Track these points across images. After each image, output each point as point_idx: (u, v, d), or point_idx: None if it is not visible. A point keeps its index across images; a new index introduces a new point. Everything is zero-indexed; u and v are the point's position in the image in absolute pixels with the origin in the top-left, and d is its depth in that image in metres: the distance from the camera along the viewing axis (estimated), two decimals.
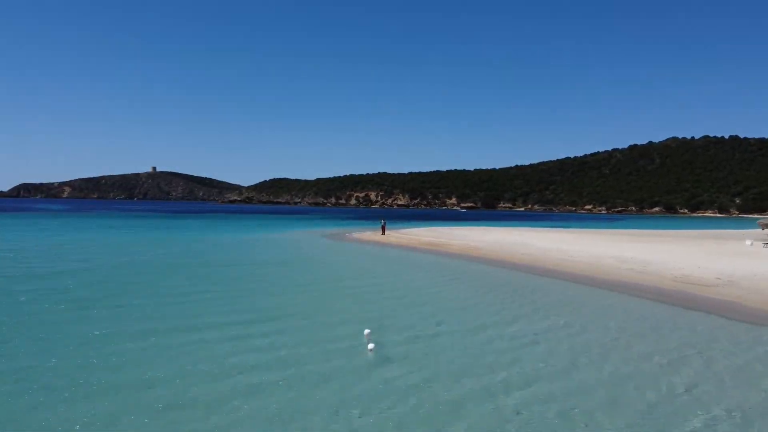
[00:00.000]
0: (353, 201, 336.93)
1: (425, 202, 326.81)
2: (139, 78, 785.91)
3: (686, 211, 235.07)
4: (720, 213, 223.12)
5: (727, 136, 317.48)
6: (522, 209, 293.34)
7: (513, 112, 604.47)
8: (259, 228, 71.63)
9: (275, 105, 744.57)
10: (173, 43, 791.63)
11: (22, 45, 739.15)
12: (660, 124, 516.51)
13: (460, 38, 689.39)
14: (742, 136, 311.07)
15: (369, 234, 55.77)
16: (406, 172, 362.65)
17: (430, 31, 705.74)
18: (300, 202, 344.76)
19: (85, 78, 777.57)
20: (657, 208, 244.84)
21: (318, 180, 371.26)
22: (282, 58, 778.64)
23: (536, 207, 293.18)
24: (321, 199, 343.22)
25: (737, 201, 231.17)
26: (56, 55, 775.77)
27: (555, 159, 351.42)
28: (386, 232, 53.99)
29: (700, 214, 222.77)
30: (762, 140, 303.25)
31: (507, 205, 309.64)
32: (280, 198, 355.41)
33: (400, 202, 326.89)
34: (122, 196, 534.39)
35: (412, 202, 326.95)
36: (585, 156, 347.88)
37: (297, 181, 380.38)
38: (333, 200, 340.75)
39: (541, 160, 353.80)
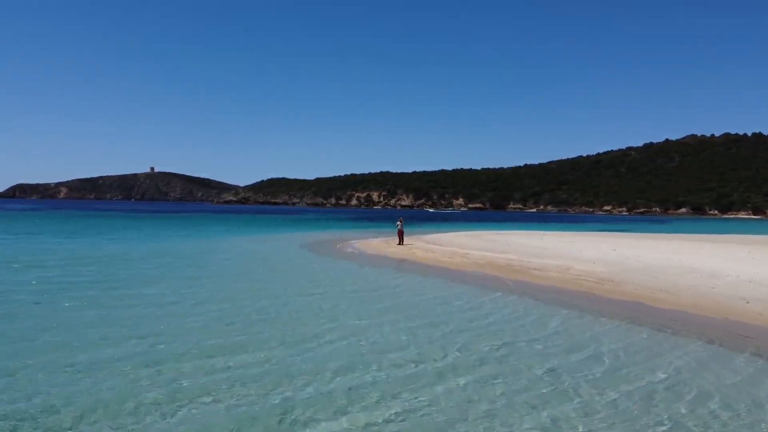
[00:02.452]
0: (354, 201, 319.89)
1: (430, 203, 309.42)
2: (138, 78, 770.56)
3: (716, 212, 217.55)
4: (755, 215, 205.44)
5: (749, 134, 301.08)
6: (534, 210, 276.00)
7: (519, 111, 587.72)
8: (231, 231, 54.76)
9: (275, 105, 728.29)
10: (172, 43, 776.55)
11: (20, 44, 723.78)
12: (674, 121, 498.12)
13: (462, 38, 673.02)
14: (766, 132, 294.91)
15: (377, 242, 38.74)
16: (409, 171, 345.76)
17: (430, 30, 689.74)
18: (298, 203, 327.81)
19: (83, 78, 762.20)
20: (683, 209, 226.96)
21: (318, 180, 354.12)
22: (281, 57, 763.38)
23: (549, 208, 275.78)
24: (320, 200, 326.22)
25: None
26: (55, 55, 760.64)
27: (566, 158, 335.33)
28: (404, 240, 37.25)
29: (732, 216, 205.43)
30: None
31: (517, 205, 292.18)
32: (277, 198, 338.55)
33: (403, 203, 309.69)
34: (120, 197, 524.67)
35: (417, 203, 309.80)
36: (598, 154, 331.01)
37: (296, 180, 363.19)
38: (333, 200, 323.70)
39: (551, 159, 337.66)
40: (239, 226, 65.12)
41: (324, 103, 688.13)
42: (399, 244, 36.07)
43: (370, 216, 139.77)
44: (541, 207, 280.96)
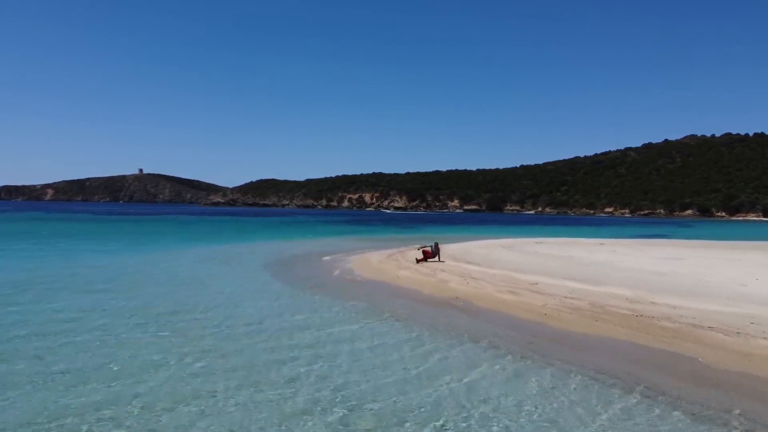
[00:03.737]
0: (346, 203, 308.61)
1: (425, 204, 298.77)
2: (128, 79, 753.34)
3: (724, 214, 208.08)
4: (765, 216, 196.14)
5: (751, 134, 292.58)
6: (531, 212, 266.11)
7: (514, 111, 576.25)
8: (192, 241, 43.58)
9: (265, 105, 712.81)
10: (160, 44, 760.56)
11: (5, 44, 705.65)
12: (671, 121, 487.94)
13: (456, 38, 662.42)
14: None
15: (378, 259, 27.54)
16: (403, 172, 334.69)
17: (425, 30, 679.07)
18: (288, 204, 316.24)
19: (70, 78, 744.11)
20: (690, 211, 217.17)
21: (308, 181, 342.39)
22: (272, 57, 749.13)
23: (548, 210, 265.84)
24: (311, 201, 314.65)
25: None
26: (41, 55, 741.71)
27: (563, 159, 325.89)
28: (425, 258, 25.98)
29: (741, 218, 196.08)
30: None
31: (514, 207, 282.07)
32: (266, 200, 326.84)
33: (397, 204, 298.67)
34: (107, 199, 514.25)
35: (411, 204, 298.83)
36: (596, 155, 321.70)
37: (285, 182, 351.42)
38: (324, 202, 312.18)
39: (547, 161, 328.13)
40: (208, 234, 54.07)
41: (315, 104, 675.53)
42: (421, 261, 25.02)
43: (363, 218, 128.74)
44: (539, 209, 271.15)
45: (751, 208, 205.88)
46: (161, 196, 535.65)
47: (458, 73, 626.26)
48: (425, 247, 26.13)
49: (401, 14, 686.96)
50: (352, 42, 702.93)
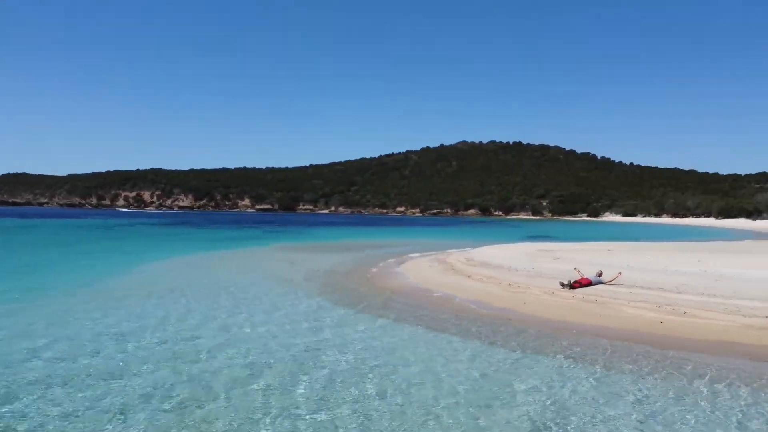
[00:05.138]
0: (121, 201, 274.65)
1: (213, 204, 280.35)
2: None
3: (501, 213, 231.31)
4: (534, 215, 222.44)
5: (511, 142, 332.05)
6: (326, 211, 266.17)
7: (295, 111, 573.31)
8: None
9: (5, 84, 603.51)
10: None
11: None
12: (446, 128, 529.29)
13: (235, 26, 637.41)
14: (525, 141, 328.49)
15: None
16: (186, 169, 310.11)
17: (204, 22, 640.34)
18: (48, 203, 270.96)
19: None
20: (473, 210, 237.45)
21: (72, 176, 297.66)
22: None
23: (341, 209, 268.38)
24: (77, 200, 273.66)
25: (544, 203, 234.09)
26: None
27: (351, 159, 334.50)
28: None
29: (515, 216, 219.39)
30: (542, 146, 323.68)
31: (307, 207, 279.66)
32: (17, 197, 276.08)
33: (183, 204, 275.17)
34: None
35: (197, 204, 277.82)
36: (381, 156, 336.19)
37: (41, 176, 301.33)
38: (94, 200, 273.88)
39: (334, 161, 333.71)
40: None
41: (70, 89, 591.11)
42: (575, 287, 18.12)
43: (192, 221, 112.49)
44: (333, 208, 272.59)
45: (522, 209, 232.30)
46: None
47: (232, 65, 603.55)
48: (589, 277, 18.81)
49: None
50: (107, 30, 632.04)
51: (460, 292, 18.72)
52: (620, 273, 19.24)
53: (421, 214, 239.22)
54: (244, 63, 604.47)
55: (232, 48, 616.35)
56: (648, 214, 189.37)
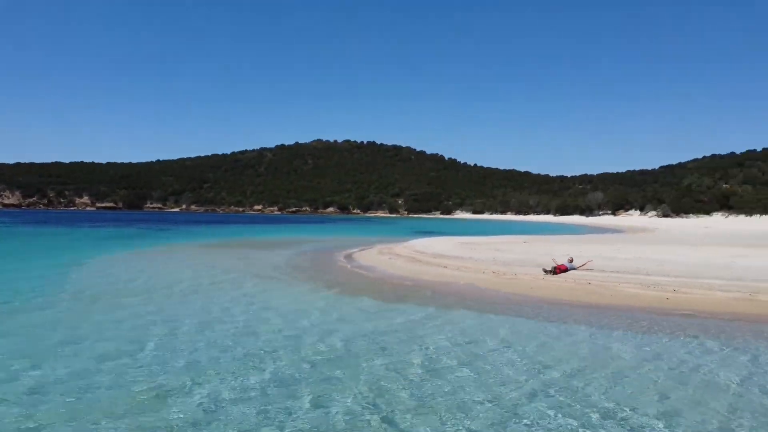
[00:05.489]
0: None
1: (45, 201, 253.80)
2: None
3: (359, 211, 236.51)
4: (391, 213, 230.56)
5: (365, 141, 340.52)
6: (176, 210, 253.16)
7: (147, 103, 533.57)
8: None
9: None
10: None
11: None
12: (301, 126, 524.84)
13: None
14: (378, 142, 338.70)
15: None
16: (11, 162, 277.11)
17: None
18: None
19: None
20: (331, 208, 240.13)
21: None
22: None
23: (194, 207, 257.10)
24: None
25: (400, 201, 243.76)
26: None
27: (202, 155, 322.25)
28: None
29: (372, 214, 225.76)
30: (395, 147, 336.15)
31: (156, 205, 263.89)
32: None
33: (7, 201, 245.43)
34: None
35: (26, 201, 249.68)
36: (234, 153, 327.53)
37: None
38: None
39: (182, 156, 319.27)
40: None
41: None
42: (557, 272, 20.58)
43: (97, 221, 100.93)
44: (184, 206, 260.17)
45: (379, 207, 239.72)
46: None
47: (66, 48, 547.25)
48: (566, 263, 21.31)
49: None
50: None
51: (465, 280, 20.46)
52: (591, 260, 22.35)
53: (279, 213, 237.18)
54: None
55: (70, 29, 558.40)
56: (495, 211, 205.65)
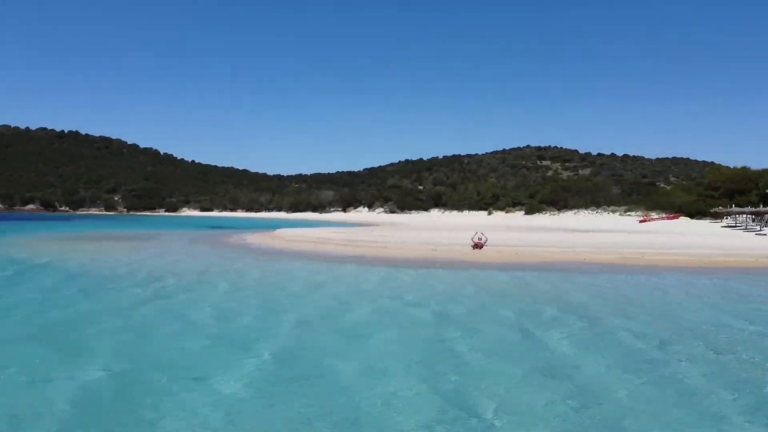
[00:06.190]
0: None
1: None
2: None
3: (67, 208, 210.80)
4: (107, 211, 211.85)
5: (66, 131, 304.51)
6: None
7: None
8: None
9: None
10: None
11: None
12: None
13: None
14: (83, 132, 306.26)
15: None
16: None
17: None
18: None
19: None
20: (32, 206, 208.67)
21: None
22: None
23: None
24: None
25: (117, 198, 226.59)
26: None
27: None
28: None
29: (85, 212, 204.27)
30: (104, 138, 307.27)
31: None
32: None
33: None
34: None
35: None
36: None
37: None
38: None
39: None
40: None
41: None
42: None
43: None
44: None
45: (92, 204, 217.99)
46: None
47: None
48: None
49: None
50: None
51: (414, 255, 27.25)
52: (488, 238, 31.31)
53: None
54: None
55: None
56: (224, 209, 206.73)
